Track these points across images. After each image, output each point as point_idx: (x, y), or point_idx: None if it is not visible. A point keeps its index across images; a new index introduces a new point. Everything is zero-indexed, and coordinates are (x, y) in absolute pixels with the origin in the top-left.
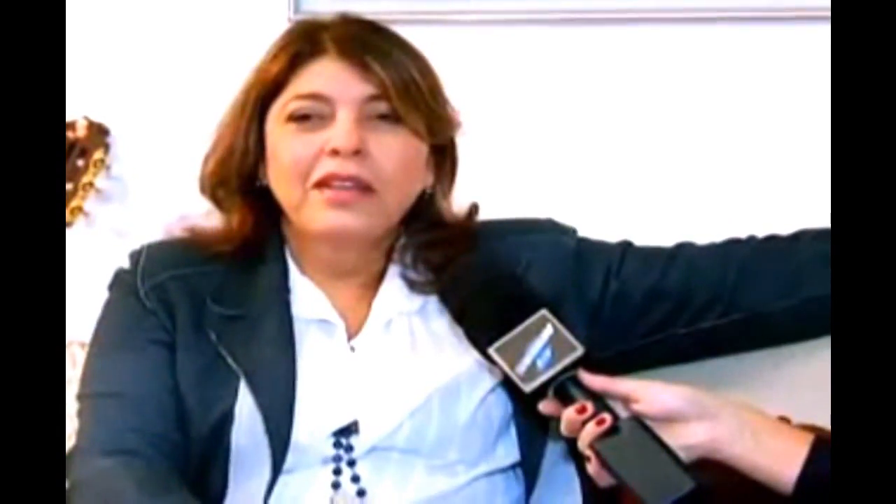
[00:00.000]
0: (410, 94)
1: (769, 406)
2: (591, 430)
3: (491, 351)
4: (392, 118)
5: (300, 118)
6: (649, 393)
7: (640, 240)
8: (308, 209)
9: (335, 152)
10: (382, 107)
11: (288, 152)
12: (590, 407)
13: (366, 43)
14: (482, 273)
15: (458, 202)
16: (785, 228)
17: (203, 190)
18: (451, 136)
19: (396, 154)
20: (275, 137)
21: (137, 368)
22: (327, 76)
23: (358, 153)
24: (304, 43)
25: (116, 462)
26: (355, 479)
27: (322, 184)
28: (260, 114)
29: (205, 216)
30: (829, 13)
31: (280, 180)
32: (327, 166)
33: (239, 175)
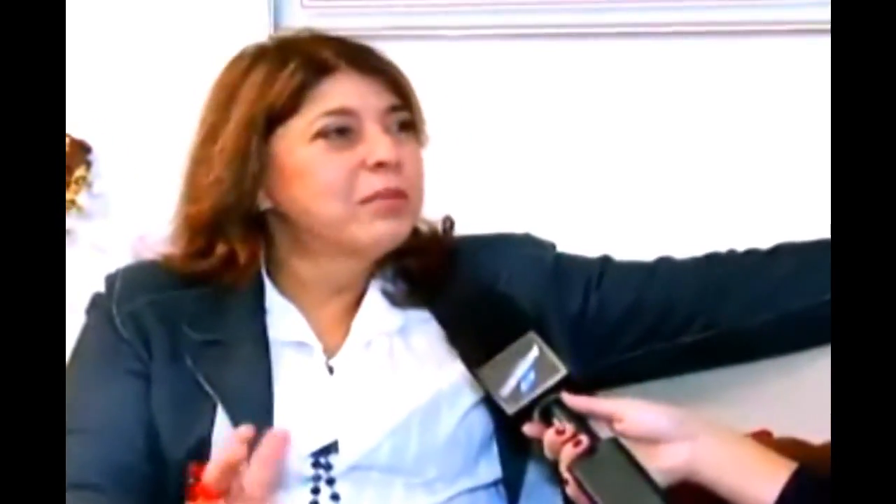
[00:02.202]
0: (418, 102)
1: (750, 420)
2: (568, 452)
3: (478, 373)
4: (409, 126)
5: (333, 132)
6: (632, 412)
7: (631, 255)
8: (357, 223)
9: (380, 165)
10: (403, 116)
11: (325, 171)
12: (568, 429)
13: (370, 56)
14: (473, 294)
15: (440, 216)
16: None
17: (197, 232)
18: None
19: (418, 161)
20: (299, 158)
21: (108, 402)
22: (349, 90)
23: (398, 165)
24: (306, 62)
25: (78, 497)
26: (335, 497)
27: (370, 198)
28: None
29: (167, 238)
30: (828, 27)
31: (317, 199)
32: (373, 183)
33: (243, 209)
